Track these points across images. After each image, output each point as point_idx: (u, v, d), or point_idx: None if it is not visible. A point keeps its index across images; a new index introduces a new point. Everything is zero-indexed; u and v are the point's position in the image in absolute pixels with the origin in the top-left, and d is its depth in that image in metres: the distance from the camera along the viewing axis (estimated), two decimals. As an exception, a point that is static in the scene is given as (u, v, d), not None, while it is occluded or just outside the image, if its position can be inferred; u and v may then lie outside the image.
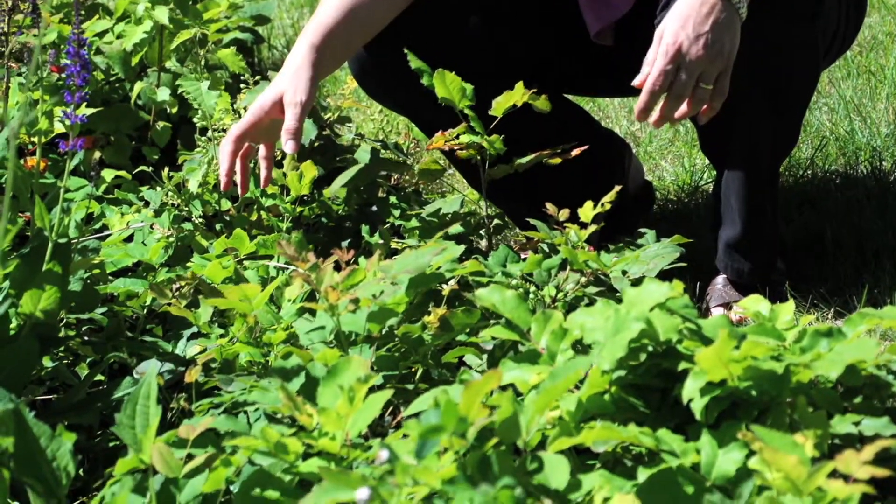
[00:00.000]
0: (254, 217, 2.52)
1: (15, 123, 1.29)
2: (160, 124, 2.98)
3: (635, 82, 2.10)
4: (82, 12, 3.10)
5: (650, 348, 1.56)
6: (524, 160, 2.29)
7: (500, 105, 2.23)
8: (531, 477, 1.42)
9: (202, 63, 2.91)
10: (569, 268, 2.07)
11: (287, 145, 2.21)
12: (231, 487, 1.59)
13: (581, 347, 1.63)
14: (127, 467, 1.55)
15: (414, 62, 2.23)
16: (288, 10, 4.43)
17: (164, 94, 2.91)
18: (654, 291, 1.58)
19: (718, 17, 2.06)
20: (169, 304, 2.03)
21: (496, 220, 2.53)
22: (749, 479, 1.43)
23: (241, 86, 2.71)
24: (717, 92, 2.10)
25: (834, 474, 1.36)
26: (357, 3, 2.31)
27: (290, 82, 2.24)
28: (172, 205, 2.51)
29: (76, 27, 2.00)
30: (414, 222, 2.42)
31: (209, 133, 2.55)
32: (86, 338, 2.16)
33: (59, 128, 2.47)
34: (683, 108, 2.11)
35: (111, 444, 1.97)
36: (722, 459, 1.45)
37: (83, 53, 2.00)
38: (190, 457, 1.55)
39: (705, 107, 2.12)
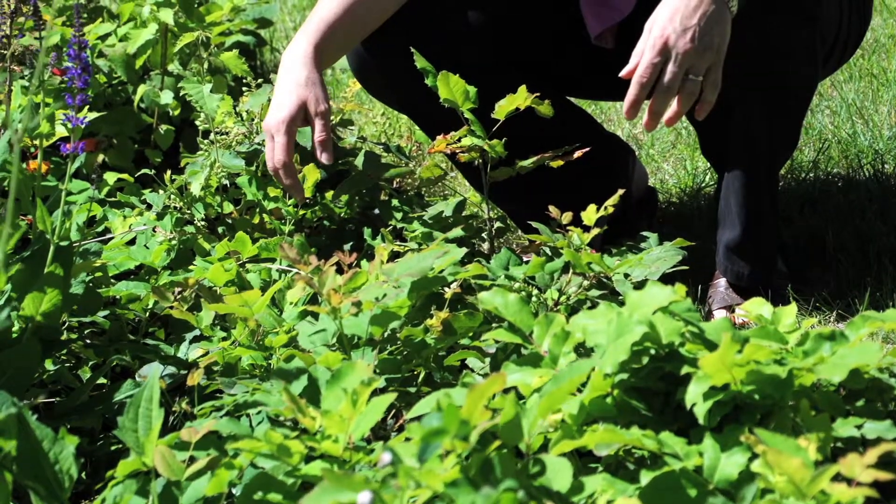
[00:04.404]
0: (256, 220, 2.52)
1: (20, 128, 1.29)
2: (163, 127, 2.97)
3: (623, 73, 2.11)
4: (84, 15, 3.10)
5: (653, 351, 1.55)
6: (526, 163, 2.28)
7: (503, 108, 2.22)
8: (533, 480, 1.42)
9: (205, 66, 2.91)
10: (571, 271, 2.06)
11: (323, 156, 2.26)
12: (234, 490, 1.59)
13: (583, 350, 1.63)
14: (129, 469, 1.55)
15: (420, 62, 2.23)
16: (290, 12, 4.43)
17: (166, 97, 2.91)
18: (656, 295, 1.58)
19: (707, 10, 2.07)
20: (171, 308, 2.03)
21: (498, 223, 2.53)
22: (752, 482, 1.42)
23: (244, 89, 2.71)
24: (710, 84, 2.10)
25: (837, 478, 1.36)
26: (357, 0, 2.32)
27: (307, 92, 2.26)
28: (175, 208, 2.51)
29: (77, 30, 2.00)
30: (416, 225, 2.42)
31: (212, 136, 2.55)
32: (88, 341, 2.16)
33: (61, 131, 2.47)
34: (674, 106, 2.10)
35: (113, 448, 1.97)
36: (725, 462, 1.45)
37: (84, 56, 2.00)
38: (192, 460, 1.55)
39: (701, 103, 2.12)
